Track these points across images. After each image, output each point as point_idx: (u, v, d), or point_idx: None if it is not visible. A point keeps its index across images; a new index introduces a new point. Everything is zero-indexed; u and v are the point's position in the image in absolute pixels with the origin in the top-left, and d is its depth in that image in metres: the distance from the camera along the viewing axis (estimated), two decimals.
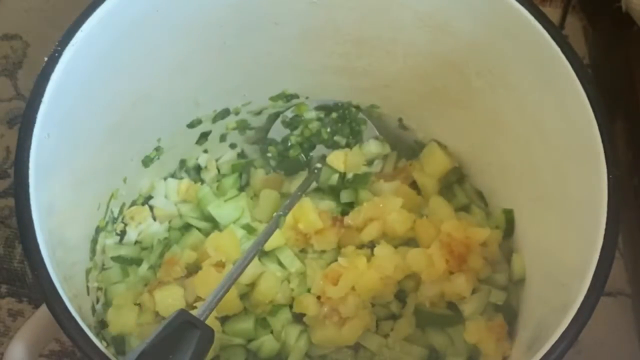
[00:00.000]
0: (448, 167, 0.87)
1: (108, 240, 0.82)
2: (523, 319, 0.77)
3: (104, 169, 0.78)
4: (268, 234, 0.78)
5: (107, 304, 0.80)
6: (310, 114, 0.91)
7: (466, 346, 0.77)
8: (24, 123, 0.64)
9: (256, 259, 0.80)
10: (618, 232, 0.63)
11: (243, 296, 0.81)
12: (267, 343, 0.80)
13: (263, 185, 0.89)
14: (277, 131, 0.91)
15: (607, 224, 0.63)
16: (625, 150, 0.66)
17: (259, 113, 0.90)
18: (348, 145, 0.90)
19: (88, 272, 0.77)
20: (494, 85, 0.78)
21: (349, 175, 0.87)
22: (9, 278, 0.91)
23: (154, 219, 0.87)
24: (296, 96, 0.89)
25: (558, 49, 0.69)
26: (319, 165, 0.88)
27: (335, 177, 0.87)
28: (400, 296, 0.82)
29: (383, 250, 0.79)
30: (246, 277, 0.79)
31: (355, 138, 0.91)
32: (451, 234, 0.80)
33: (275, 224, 0.80)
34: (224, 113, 0.88)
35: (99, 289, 0.80)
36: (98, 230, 0.80)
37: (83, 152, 0.73)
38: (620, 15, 0.85)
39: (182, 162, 0.90)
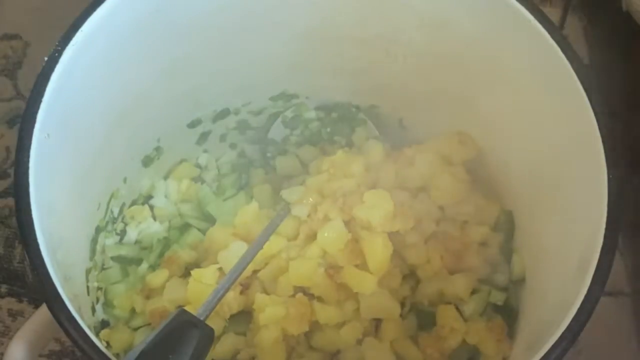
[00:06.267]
0: None
1: (108, 240, 0.82)
2: (523, 319, 0.77)
3: (104, 169, 0.78)
4: (268, 233, 0.78)
5: (107, 304, 0.81)
6: (310, 114, 0.91)
7: (466, 347, 0.77)
8: (24, 123, 0.64)
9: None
10: (618, 232, 0.63)
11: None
12: None
13: (263, 185, 0.89)
14: (277, 131, 0.91)
15: (607, 224, 0.63)
16: (625, 150, 0.66)
17: (259, 113, 0.90)
18: (348, 145, 0.90)
19: (88, 272, 0.77)
20: (494, 85, 0.78)
21: None
22: (9, 278, 0.92)
23: (154, 218, 0.87)
24: (296, 96, 0.89)
25: (558, 49, 0.69)
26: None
27: None
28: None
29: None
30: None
31: (355, 138, 0.91)
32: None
33: (274, 225, 0.80)
34: (224, 113, 0.88)
35: (99, 288, 0.80)
36: (98, 230, 0.80)
37: (83, 152, 0.73)
38: (620, 15, 0.85)
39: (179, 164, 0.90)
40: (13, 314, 0.90)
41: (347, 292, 0.77)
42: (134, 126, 0.79)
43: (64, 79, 0.66)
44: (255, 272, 0.79)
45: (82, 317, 0.60)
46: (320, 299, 0.78)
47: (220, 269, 0.78)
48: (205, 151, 0.91)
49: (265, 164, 0.92)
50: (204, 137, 0.89)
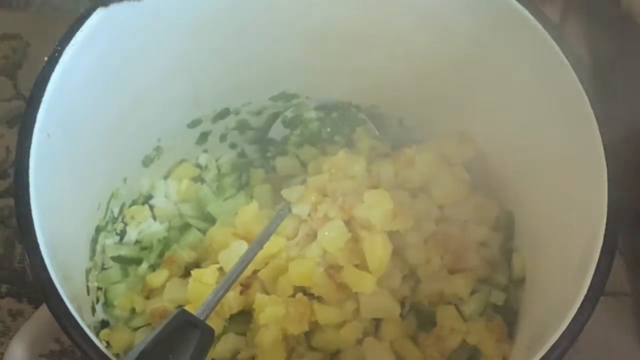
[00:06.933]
0: None
1: (108, 240, 0.82)
2: (523, 319, 0.77)
3: (104, 169, 0.78)
4: (268, 233, 0.78)
5: (107, 304, 0.80)
6: (310, 114, 0.91)
7: (466, 347, 0.77)
8: (24, 123, 0.64)
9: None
10: (618, 232, 0.63)
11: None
12: None
13: (263, 185, 0.89)
14: (277, 131, 0.91)
15: (607, 224, 0.63)
16: (626, 150, 0.66)
17: (259, 113, 0.90)
18: (348, 145, 0.90)
19: (88, 272, 0.77)
20: (494, 85, 0.77)
21: None
22: (9, 278, 0.91)
23: (154, 218, 0.87)
24: (296, 96, 0.89)
25: (558, 49, 0.69)
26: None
27: None
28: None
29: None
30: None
31: (355, 138, 0.91)
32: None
33: (274, 224, 0.79)
34: (224, 113, 0.88)
35: (99, 288, 0.80)
36: (98, 230, 0.80)
37: (83, 152, 0.72)
38: (620, 15, 0.85)
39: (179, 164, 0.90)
40: (13, 314, 0.90)
41: (347, 292, 0.77)
42: (134, 126, 0.79)
43: (64, 79, 0.66)
44: (255, 272, 0.79)
45: (82, 317, 0.60)
46: (320, 299, 0.78)
47: (220, 268, 0.77)
48: (205, 151, 0.91)
49: (265, 164, 0.91)
50: (204, 137, 0.89)
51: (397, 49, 0.81)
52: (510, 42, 0.73)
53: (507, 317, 0.78)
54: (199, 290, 0.76)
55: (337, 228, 0.77)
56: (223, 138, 0.91)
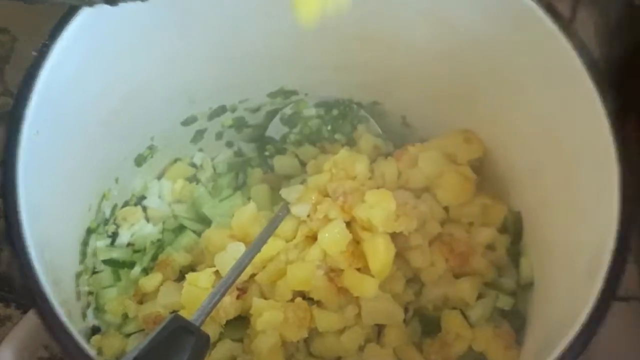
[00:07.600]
0: None
1: (99, 243, 0.81)
2: (531, 325, 0.76)
3: (96, 168, 0.77)
4: (266, 235, 0.77)
5: (99, 309, 0.79)
6: (310, 111, 0.90)
7: (472, 353, 0.76)
8: (12, 120, 0.63)
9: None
10: (630, 234, 0.62)
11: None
12: None
13: (260, 185, 0.88)
14: (276, 129, 0.91)
15: (619, 225, 0.62)
16: (638, 149, 0.65)
17: (256, 110, 0.89)
18: (349, 144, 0.90)
19: (78, 275, 0.76)
20: (500, 81, 0.77)
21: None
22: None
23: (147, 220, 0.86)
24: (295, 92, 0.89)
25: (568, 45, 0.67)
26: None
27: None
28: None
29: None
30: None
31: (356, 136, 0.90)
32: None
33: (273, 226, 0.78)
34: (220, 110, 0.87)
35: (89, 293, 0.78)
36: (89, 231, 0.79)
37: (73, 150, 0.72)
38: (631, 9, 0.85)
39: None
40: (1, 320, 0.89)
41: (347, 297, 0.76)
42: (126, 124, 0.78)
43: (53, 75, 0.65)
44: (252, 275, 0.78)
45: (72, 323, 0.59)
46: (320, 304, 0.77)
47: (216, 272, 0.77)
48: (200, 150, 0.90)
49: (263, 163, 0.91)
50: (199, 135, 0.88)
51: (398, 44, 0.80)
52: (517, 38, 0.72)
53: (514, 322, 0.77)
54: (194, 295, 0.75)
55: (337, 229, 0.76)
56: (219, 136, 0.90)
